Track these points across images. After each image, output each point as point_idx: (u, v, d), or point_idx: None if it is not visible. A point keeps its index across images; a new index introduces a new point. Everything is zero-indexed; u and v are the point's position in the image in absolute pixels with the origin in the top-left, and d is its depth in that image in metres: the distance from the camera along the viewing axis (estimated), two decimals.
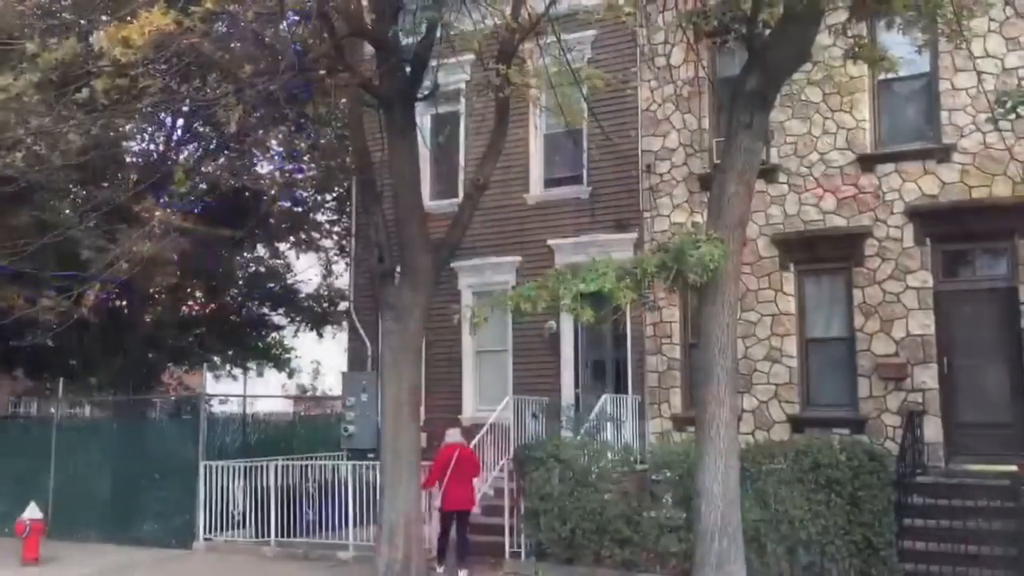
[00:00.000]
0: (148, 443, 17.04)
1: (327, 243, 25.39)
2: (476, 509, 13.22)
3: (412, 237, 11.32)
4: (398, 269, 11.75)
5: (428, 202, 15.14)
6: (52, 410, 19.56)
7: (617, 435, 14.25)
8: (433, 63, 11.61)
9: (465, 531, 12.80)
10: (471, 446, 13.76)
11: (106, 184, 17.24)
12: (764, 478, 11.31)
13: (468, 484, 12.82)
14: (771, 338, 14.14)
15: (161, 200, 12.69)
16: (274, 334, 26.93)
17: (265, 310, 25.96)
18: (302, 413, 25.14)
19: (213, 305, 24.74)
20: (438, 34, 11.38)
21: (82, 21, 10.60)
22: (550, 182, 16.68)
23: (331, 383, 41.73)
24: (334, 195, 23.93)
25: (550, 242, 16.08)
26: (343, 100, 13.57)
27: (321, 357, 40.04)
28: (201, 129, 19.57)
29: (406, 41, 11.61)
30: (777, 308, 14.17)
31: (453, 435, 13.27)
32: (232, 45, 12.78)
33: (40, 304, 10.40)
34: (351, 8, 11.27)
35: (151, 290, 20.94)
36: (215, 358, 27.07)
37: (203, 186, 16.21)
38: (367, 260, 12.52)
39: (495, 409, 15.09)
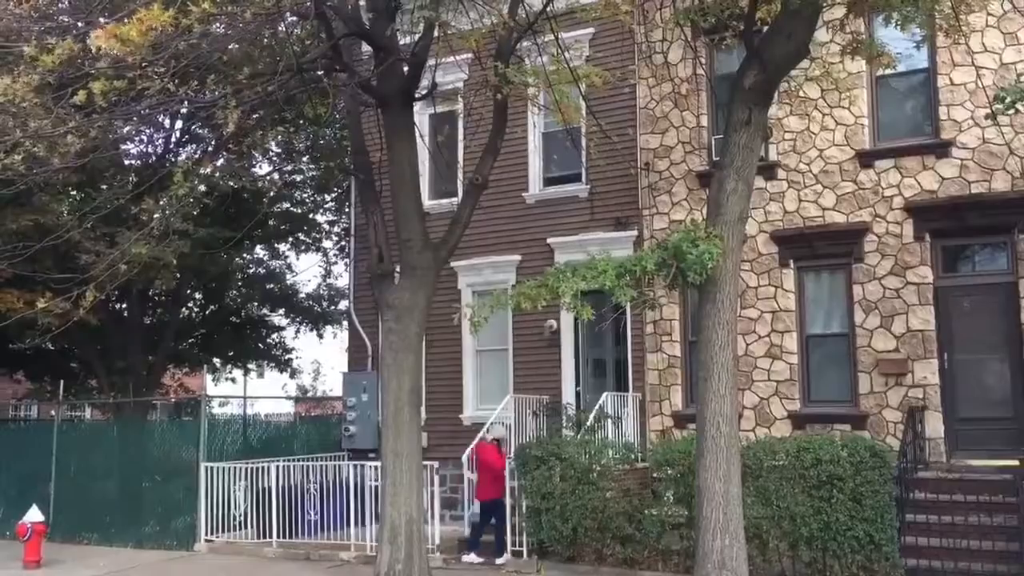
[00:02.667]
0: (149, 445, 17.08)
1: (327, 243, 25.47)
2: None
3: (411, 237, 11.30)
4: (398, 269, 11.75)
5: (427, 202, 15.15)
6: (53, 412, 19.57)
7: (618, 433, 14.25)
8: (431, 62, 11.60)
9: (487, 518, 13.36)
10: (471, 447, 13.94)
11: (105, 186, 17.24)
12: (766, 475, 11.32)
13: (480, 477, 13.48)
14: (771, 335, 14.14)
15: (160, 202, 12.65)
16: (275, 335, 26.94)
17: (265, 311, 26.00)
18: (303, 414, 25.18)
19: (213, 306, 24.75)
20: (436, 33, 11.37)
21: (79, 23, 10.56)
22: (549, 180, 16.70)
23: (331, 383, 41.83)
24: (333, 195, 23.96)
25: (550, 240, 16.08)
26: (341, 100, 13.56)
27: (321, 358, 40.12)
28: (200, 131, 19.57)
29: (404, 41, 11.62)
30: (777, 305, 14.17)
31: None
32: (230, 46, 12.77)
33: (38, 306, 10.37)
34: (349, 8, 11.28)
35: (151, 292, 20.95)
36: (215, 360, 27.10)
37: (202, 188, 16.19)
38: (367, 260, 12.50)
39: (496, 408, 15.11)
